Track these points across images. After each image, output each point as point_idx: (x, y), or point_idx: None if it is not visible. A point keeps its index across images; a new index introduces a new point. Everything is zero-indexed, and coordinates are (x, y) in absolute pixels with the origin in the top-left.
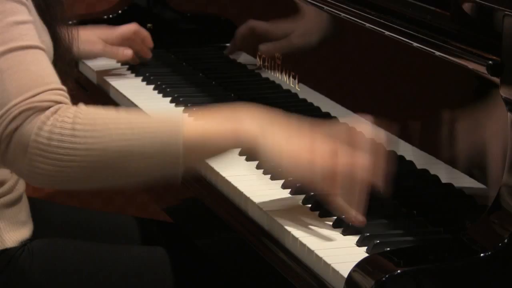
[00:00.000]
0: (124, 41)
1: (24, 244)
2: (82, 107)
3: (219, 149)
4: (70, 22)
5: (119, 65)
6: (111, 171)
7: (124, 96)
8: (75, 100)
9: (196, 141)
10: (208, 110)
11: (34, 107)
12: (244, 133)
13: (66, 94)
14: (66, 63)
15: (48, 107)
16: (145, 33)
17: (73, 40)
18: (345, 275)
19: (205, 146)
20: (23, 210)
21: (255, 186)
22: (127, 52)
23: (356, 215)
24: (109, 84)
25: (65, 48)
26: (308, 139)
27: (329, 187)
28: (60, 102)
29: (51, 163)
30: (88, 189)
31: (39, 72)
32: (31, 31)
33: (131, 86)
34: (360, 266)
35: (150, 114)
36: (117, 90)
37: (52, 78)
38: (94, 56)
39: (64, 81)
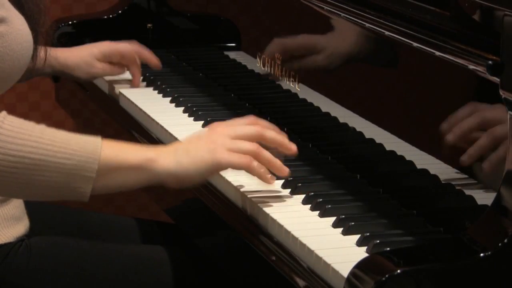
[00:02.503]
0: (122, 59)
1: (20, 240)
2: (7, 115)
3: (131, 178)
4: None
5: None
6: (23, 181)
7: (124, 96)
8: (76, 100)
9: (111, 164)
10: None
11: None
12: (155, 163)
13: None
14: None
15: None
16: (147, 54)
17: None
18: (345, 275)
19: (119, 171)
20: (17, 206)
21: (255, 186)
22: (123, 70)
23: (282, 166)
24: (109, 84)
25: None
26: (202, 137)
27: (238, 158)
28: None
29: None
30: None
31: None
32: None
33: (131, 86)
34: (360, 266)
35: (72, 135)
36: (116, 89)
37: None
38: (91, 78)
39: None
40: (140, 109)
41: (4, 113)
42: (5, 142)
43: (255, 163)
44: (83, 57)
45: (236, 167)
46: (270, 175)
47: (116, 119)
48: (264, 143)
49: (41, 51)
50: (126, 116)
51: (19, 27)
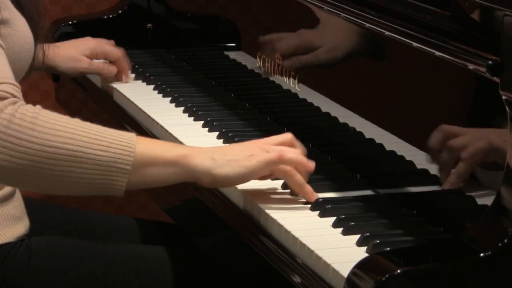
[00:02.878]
0: (106, 60)
1: (21, 240)
2: (41, 108)
3: (166, 173)
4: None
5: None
6: (59, 173)
7: (124, 96)
8: (76, 100)
9: (146, 158)
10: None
11: None
12: (191, 159)
13: (21, 93)
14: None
15: (5, 98)
16: (124, 65)
17: (43, 57)
18: (345, 275)
19: (153, 166)
20: (17, 206)
21: (255, 187)
22: (112, 69)
23: (312, 192)
24: (110, 85)
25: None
26: (243, 145)
27: (281, 170)
28: (16, 97)
29: (2, 150)
30: (26, 188)
31: (1, 67)
32: None
33: (131, 86)
34: (360, 266)
35: (107, 129)
36: (116, 90)
37: (9, 74)
38: (79, 73)
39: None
40: (140, 109)
41: (39, 106)
42: (41, 133)
43: (289, 153)
44: (70, 51)
45: (270, 163)
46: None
47: (115, 118)
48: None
49: (40, 51)
50: (125, 116)
51: (21, 29)
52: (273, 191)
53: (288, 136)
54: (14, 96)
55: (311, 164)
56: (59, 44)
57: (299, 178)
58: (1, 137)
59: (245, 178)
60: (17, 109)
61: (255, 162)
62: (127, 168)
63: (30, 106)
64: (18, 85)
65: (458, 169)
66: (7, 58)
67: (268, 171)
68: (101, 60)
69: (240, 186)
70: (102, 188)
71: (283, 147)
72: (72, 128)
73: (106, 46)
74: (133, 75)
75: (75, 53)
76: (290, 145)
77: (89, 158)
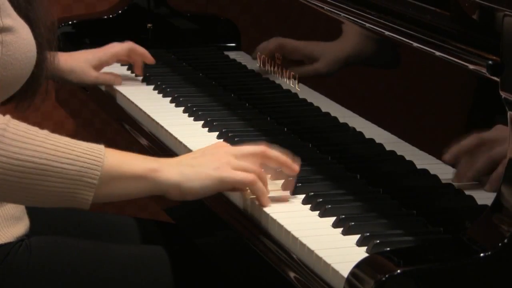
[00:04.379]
0: (119, 60)
1: (21, 240)
2: (12, 120)
3: (133, 187)
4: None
5: (118, 65)
6: (25, 186)
7: (124, 96)
8: (76, 100)
9: (114, 172)
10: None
11: None
12: (159, 173)
13: None
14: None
15: None
16: (141, 51)
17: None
18: (345, 275)
19: (121, 180)
20: (17, 206)
21: None
22: (118, 80)
23: (288, 180)
24: (110, 85)
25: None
26: (207, 153)
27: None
28: None
29: None
30: None
31: None
32: None
33: (131, 86)
34: (360, 266)
35: (76, 141)
36: (117, 91)
37: None
38: (87, 85)
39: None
40: (140, 109)
41: (8, 116)
42: (8, 145)
43: (260, 184)
44: (78, 63)
45: (240, 184)
46: (267, 197)
47: (115, 118)
48: (267, 162)
49: (52, 56)
50: (125, 116)
51: (24, 37)
52: (273, 191)
53: (260, 149)
54: None
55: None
56: (68, 54)
57: (260, 189)
58: None
59: (213, 191)
60: None
61: (224, 176)
62: (93, 182)
63: (0, 117)
64: None
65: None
66: (9, 65)
67: (234, 187)
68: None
69: None
70: (68, 201)
71: (257, 171)
72: (40, 141)
73: (111, 48)
74: (133, 75)
75: (83, 64)
76: (263, 158)
77: (56, 171)
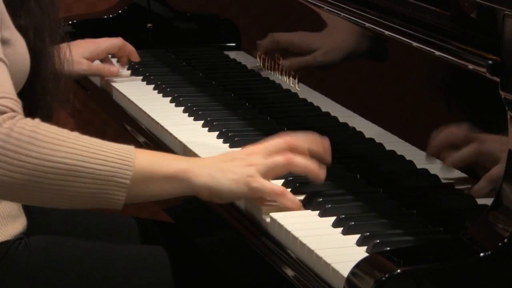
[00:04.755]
0: (106, 57)
1: (19, 238)
2: (40, 122)
3: (165, 187)
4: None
5: (118, 64)
6: (57, 187)
7: (124, 96)
8: (76, 100)
9: (145, 172)
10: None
11: None
12: (191, 174)
13: (21, 108)
14: (51, 81)
15: (4, 112)
16: (130, 48)
17: (64, 59)
18: (345, 274)
19: (153, 181)
20: (12, 204)
21: None
22: (114, 70)
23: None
24: (110, 84)
25: (50, 67)
26: (237, 158)
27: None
28: (15, 111)
29: (0, 165)
30: (25, 202)
31: (0, 81)
32: None
33: (131, 86)
34: (360, 265)
35: (106, 142)
36: (116, 90)
37: (10, 88)
38: (78, 76)
39: (43, 99)
40: (140, 109)
41: (37, 120)
42: (40, 147)
43: (289, 195)
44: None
45: (269, 195)
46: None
47: (115, 118)
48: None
49: (65, 51)
50: (125, 116)
51: (20, 51)
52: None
53: (286, 141)
54: (14, 111)
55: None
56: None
57: (290, 199)
58: (0, 151)
59: (242, 197)
60: (16, 123)
61: (254, 186)
62: (126, 183)
63: (29, 119)
64: (18, 100)
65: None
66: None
67: (260, 196)
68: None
69: None
70: (101, 202)
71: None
72: (71, 142)
73: (104, 42)
74: (133, 75)
75: (74, 55)
76: (291, 149)
77: (88, 172)
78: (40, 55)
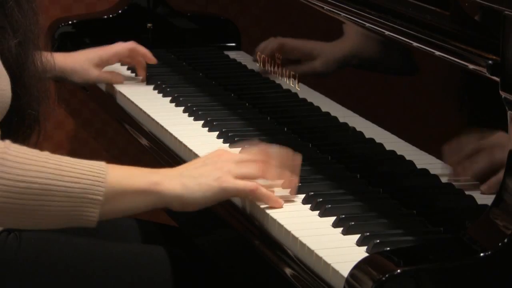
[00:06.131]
0: (120, 60)
1: (5, 230)
2: (11, 144)
3: (137, 201)
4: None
5: (118, 65)
6: (31, 207)
7: (124, 96)
8: (76, 100)
9: (117, 187)
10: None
11: None
12: (162, 186)
13: None
14: (38, 89)
15: None
16: (143, 51)
17: (46, 65)
18: (345, 274)
19: (125, 195)
20: None
21: None
22: (119, 77)
23: (279, 202)
24: (110, 84)
25: (34, 76)
26: (208, 162)
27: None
28: None
29: None
30: (3, 225)
31: None
32: None
33: (131, 86)
34: (360, 265)
35: (76, 160)
36: (117, 90)
37: None
38: (89, 84)
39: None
40: (140, 109)
41: (8, 141)
42: (11, 168)
43: (262, 189)
44: (80, 62)
45: (242, 192)
46: (274, 199)
47: (115, 118)
48: (268, 167)
49: (48, 55)
50: (125, 116)
51: (2, 87)
52: (273, 191)
53: (260, 154)
54: None
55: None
56: (69, 54)
57: (264, 194)
58: None
59: (215, 201)
60: None
61: (225, 186)
62: (98, 199)
63: None
64: None
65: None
66: None
67: (237, 195)
68: (112, 67)
69: None
70: (74, 220)
71: (258, 175)
72: (42, 161)
73: (113, 47)
74: (133, 75)
75: (84, 63)
76: (264, 163)
77: (60, 190)
78: (23, 61)
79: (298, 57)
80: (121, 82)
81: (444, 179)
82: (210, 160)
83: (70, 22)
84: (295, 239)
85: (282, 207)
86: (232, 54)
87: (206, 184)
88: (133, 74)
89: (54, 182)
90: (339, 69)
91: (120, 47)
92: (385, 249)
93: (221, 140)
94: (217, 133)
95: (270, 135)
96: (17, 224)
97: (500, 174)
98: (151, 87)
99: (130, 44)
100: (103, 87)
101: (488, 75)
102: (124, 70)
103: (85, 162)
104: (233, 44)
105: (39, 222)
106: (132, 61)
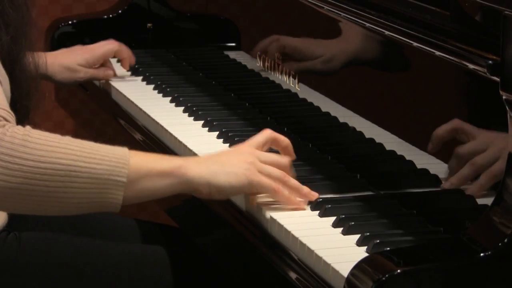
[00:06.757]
0: (106, 60)
1: (3, 231)
2: (31, 128)
3: (162, 184)
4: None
5: (119, 64)
6: (53, 188)
7: (124, 96)
8: (76, 100)
9: (141, 170)
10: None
11: None
12: (187, 169)
13: (13, 117)
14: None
15: None
16: (127, 53)
17: (38, 65)
18: (345, 274)
19: (149, 178)
20: None
21: None
22: (109, 73)
23: (310, 191)
24: (109, 84)
25: (26, 72)
26: (232, 153)
27: (267, 184)
28: (7, 120)
29: None
30: (22, 210)
31: None
32: None
33: (131, 86)
34: (360, 265)
35: (98, 144)
36: (117, 90)
37: (3, 101)
38: (76, 83)
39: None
40: (140, 109)
41: (28, 127)
42: (34, 149)
43: (285, 191)
44: (66, 64)
45: (266, 190)
46: (300, 200)
47: (115, 117)
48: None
49: (41, 57)
50: (125, 115)
51: (5, 87)
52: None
53: (283, 161)
54: (5, 119)
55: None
56: (54, 53)
57: (286, 196)
58: None
59: (239, 191)
60: (7, 130)
61: (253, 179)
62: (122, 181)
63: (20, 127)
64: (12, 113)
65: (463, 172)
66: None
67: (258, 191)
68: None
69: None
70: (98, 203)
71: (281, 176)
72: (64, 144)
73: (99, 49)
74: (133, 75)
75: (70, 63)
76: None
77: (84, 171)
78: (15, 56)
79: (298, 57)
80: (111, 77)
81: (444, 179)
82: (234, 152)
83: (70, 22)
84: (295, 239)
85: (304, 208)
86: (232, 54)
87: (234, 173)
88: (133, 74)
89: (77, 163)
90: (339, 69)
91: (106, 49)
92: (385, 249)
93: (221, 140)
94: (217, 133)
95: None
96: (41, 209)
97: (500, 173)
98: (151, 87)
99: (115, 46)
100: (102, 87)
101: (488, 75)
102: (124, 71)
103: (108, 146)
104: (233, 44)
105: (62, 206)
106: (118, 58)
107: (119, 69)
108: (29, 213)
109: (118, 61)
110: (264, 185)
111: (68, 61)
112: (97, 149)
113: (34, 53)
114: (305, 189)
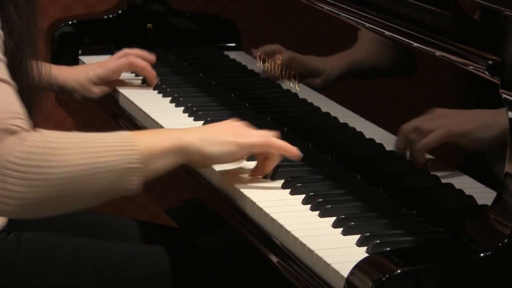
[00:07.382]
0: (122, 72)
1: (5, 231)
2: (44, 131)
3: (167, 161)
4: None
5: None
6: (84, 187)
7: (124, 96)
8: (76, 100)
9: (151, 152)
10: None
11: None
12: (183, 141)
13: (28, 123)
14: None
15: (15, 132)
16: (142, 64)
17: (41, 74)
18: (345, 275)
19: (157, 158)
20: None
21: (255, 186)
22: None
23: (295, 150)
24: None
25: (29, 82)
26: (222, 124)
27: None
28: (22, 128)
29: (25, 183)
30: (55, 213)
31: (8, 101)
32: (3, 68)
33: (130, 86)
34: (360, 266)
35: (102, 134)
36: (117, 90)
37: (19, 109)
38: (92, 99)
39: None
40: (140, 109)
41: (40, 129)
42: (58, 155)
43: (277, 140)
44: (80, 81)
45: (257, 147)
46: (292, 148)
47: (115, 118)
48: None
49: (45, 65)
50: (125, 116)
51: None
52: (273, 191)
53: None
54: (23, 128)
55: (297, 151)
56: (70, 69)
57: (280, 144)
58: (20, 169)
59: (232, 156)
60: (26, 141)
61: (242, 140)
62: (139, 167)
63: (36, 134)
64: (26, 118)
65: (436, 134)
66: None
67: (251, 152)
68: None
69: (241, 186)
70: (120, 191)
71: (267, 133)
72: (79, 143)
73: (110, 65)
74: (132, 75)
75: (84, 82)
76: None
77: (104, 166)
78: (17, 63)
79: (298, 57)
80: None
81: (444, 179)
82: (224, 123)
83: (70, 22)
84: (295, 239)
85: (300, 157)
86: (232, 54)
87: (224, 139)
88: (133, 75)
89: (96, 160)
90: (339, 69)
91: (117, 64)
92: (385, 249)
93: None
94: None
95: None
96: (66, 209)
97: (500, 174)
98: (151, 87)
99: (127, 59)
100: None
101: (488, 75)
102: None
103: (112, 136)
104: (233, 44)
105: (88, 202)
106: (135, 72)
107: (123, 73)
108: (54, 214)
109: (136, 75)
110: (254, 143)
111: (81, 78)
112: (105, 140)
113: (39, 62)
114: (290, 146)
